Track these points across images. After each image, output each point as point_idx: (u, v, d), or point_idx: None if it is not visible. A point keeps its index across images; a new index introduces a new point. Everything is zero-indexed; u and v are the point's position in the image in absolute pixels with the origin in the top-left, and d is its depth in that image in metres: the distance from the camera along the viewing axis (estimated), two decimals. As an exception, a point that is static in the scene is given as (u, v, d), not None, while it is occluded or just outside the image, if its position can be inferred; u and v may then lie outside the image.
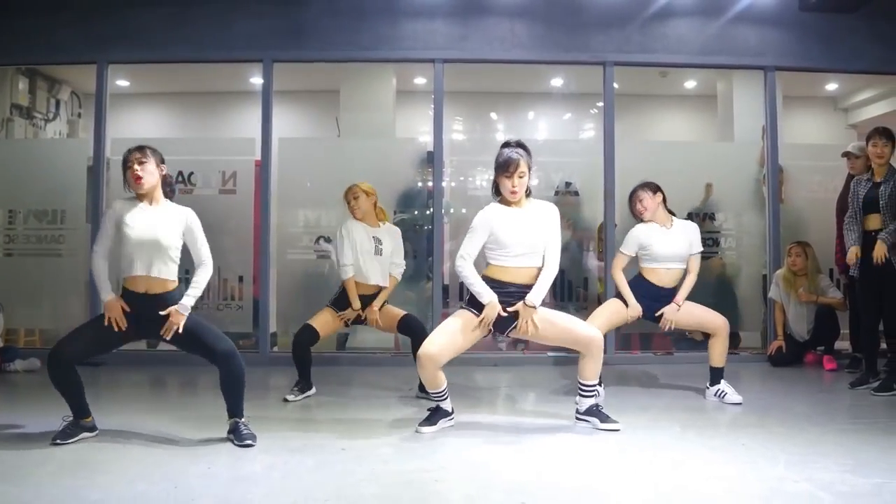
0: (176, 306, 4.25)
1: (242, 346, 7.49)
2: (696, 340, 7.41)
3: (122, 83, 9.44)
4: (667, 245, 5.46)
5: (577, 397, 4.67)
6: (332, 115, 8.91)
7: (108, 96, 7.49)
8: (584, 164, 7.77)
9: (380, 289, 5.75)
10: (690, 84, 10.16)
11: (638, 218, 5.58)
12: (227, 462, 3.83)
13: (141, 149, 4.30)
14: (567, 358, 6.85)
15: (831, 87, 10.29)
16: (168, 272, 4.29)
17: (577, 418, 4.66)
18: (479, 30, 7.45)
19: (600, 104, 9.33)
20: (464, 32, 7.44)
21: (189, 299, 4.28)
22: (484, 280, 4.49)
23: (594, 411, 4.61)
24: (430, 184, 7.65)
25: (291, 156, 7.62)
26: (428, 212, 7.65)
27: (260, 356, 7.19)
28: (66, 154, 7.85)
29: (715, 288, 7.62)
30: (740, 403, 5.32)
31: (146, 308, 4.25)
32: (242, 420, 4.28)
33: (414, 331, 5.69)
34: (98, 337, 4.28)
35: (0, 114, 8.98)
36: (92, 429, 4.30)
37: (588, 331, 4.60)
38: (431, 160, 7.54)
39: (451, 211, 7.83)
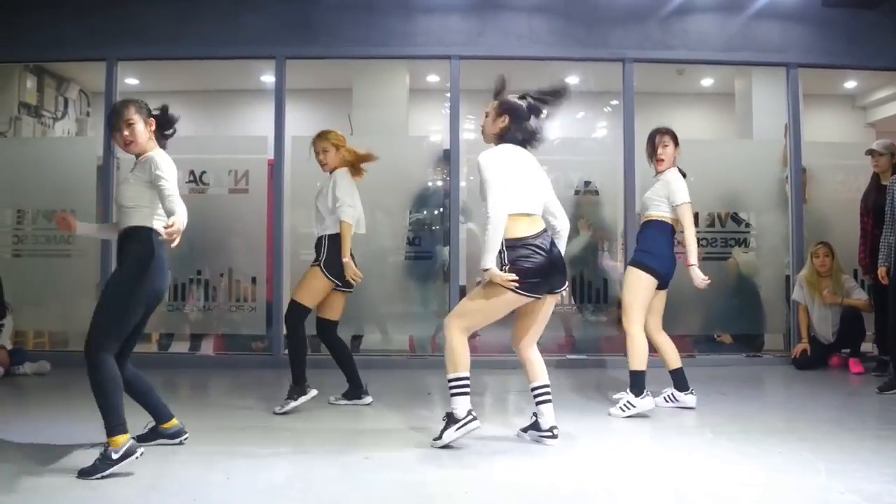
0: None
1: (255, 348, 7.45)
2: (724, 343, 7.31)
3: (132, 81, 9.33)
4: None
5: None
6: (345, 113, 8.78)
7: (117, 94, 7.36)
8: (603, 162, 7.65)
9: None
10: (707, 82, 10.01)
11: (655, 162, 5.29)
12: (245, 472, 3.68)
13: (127, 106, 3.99)
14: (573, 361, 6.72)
15: (850, 84, 10.15)
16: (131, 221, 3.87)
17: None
18: (495, 25, 7.32)
19: (614, 102, 9.20)
20: (480, 28, 7.31)
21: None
22: None
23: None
24: (442, 182, 7.56)
25: (305, 154, 7.46)
26: (436, 211, 7.51)
27: (273, 358, 7.07)
28: (74, 153, 7.75)
29: (737, 289, 7.48)
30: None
31: (119, 245, 3.93)
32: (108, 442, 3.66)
33: None
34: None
35: (8, 112, 8.88)
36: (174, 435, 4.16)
37: None
38: (446, 158, 7.41)
39: (471, 225, 7.64)
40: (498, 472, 3.74)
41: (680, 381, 5.21)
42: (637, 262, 5.13)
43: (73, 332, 7.96)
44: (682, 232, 5.13)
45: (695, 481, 3.57)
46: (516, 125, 4.26)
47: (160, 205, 3.76)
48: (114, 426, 3.62)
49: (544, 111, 4.31)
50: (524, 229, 4.13)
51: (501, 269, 4.03)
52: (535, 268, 4.08)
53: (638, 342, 5.04)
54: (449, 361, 4.14)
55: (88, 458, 3.66)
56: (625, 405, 4.97)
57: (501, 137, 4.27)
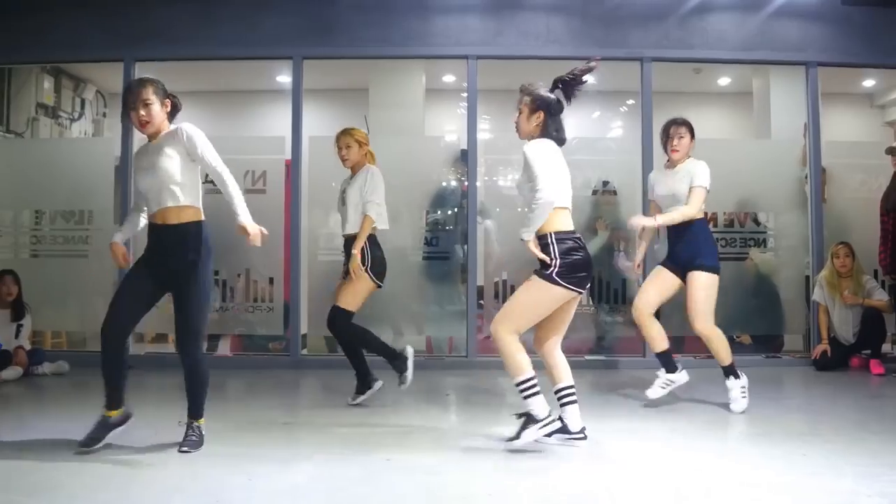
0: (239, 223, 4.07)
1: (272, 349, 7.45)
2: (744, 344, 7.26)
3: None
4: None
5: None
6: (361, 114, 8.76)
7: (135, 95, 7.36)
8: (620, 162, 7.60)
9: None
10: (724, 81, 9.94)
11: (670, 152, 5.30)
12: (267, 473, 3.67)
13: (144, 85, 4.05)
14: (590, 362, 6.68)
15: (868, 83, 10.06)
16: (179, 199, 4.06)
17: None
18: (513, 25, 7.29)
19: (630, 101, 9.18)
20: (498, 28, 7.28)
21: (239, 214, 4.10)
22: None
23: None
24: (456, 182, 7.54)
25: (322, 155, 7.46)
26: (450, 212, 7.49)
27: (291, 359, 7.07)
28: (92, 153, 7.77)
29: (756, 290, 7.43)
30: None
31: (168, 240, 4.07)
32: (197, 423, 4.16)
33: None
34: (130, 291, 4.14)
35: (25, 113, 8.92)
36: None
37: None
38: (463, 158, 7.39)
39: (488, 223, 7.62)
40: (521, 475, 3.72)
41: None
42: (703, 267, 5.11)
43: (91, 332, 7.98)
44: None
45: (721, 484, 3.53)
46: (552, 120, 4.23)
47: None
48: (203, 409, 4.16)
49: (573, 97, 4.27)
50: (567, 223, 4.13)
51: (551, 263, 4.00)
52: (582, 262, 4.07)
53: (719, 337, 5.18)
54: (509, 367, 4.11)
55: (108, 459, 3.66)
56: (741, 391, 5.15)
57: (540, 134, 4.23)
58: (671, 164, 5.34)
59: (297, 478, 3.63)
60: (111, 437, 4.12)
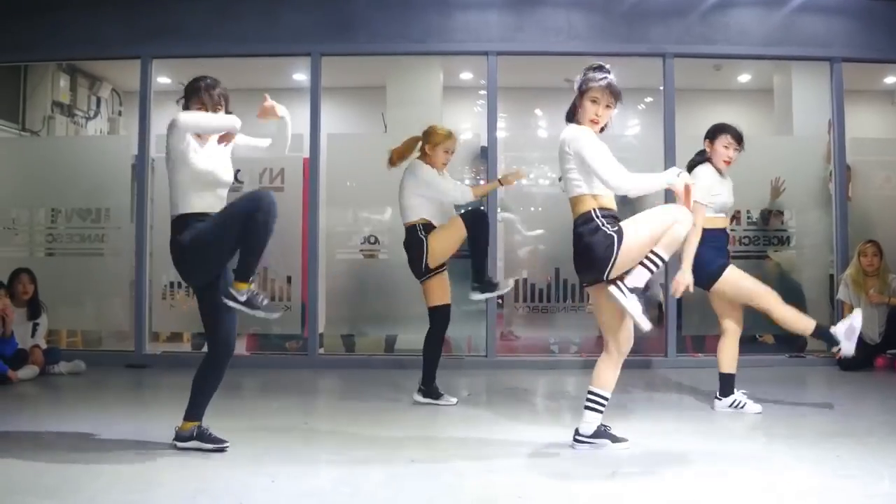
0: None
1: (289, 348, 7.39)
2: (768, 343, 7.15)
3: (165, 80, 9.31)
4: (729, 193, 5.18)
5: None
6: (378, 111, 8.71)
7: (151, 92, 7.33)
8: (641, 160, 7.47)
9: None
10: (745, 78, 9.83)
11: (712, 157, 5.14)
12: (290, 475, 3.59)
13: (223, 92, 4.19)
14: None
15: (890, 80, 9.92)
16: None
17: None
18: (533, 21, 7.18)
19: (649, 99, 9.07)
20: (518, 23, 7.18)
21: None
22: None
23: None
24: (471, 180, 7.47)
25: (340, 152, 7.40)
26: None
27: (309, 358, 7.01)
28: (109, 151, 7.72)
29: (780, 288, 7.27)
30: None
31: None
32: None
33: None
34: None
35: (41, 111, 8.90)
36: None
37: None
38: (483, 155, 7.31)
39: (507, 214, 7.54)
40: (546, 478, 3.64)
41: None
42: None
43: (106, 331, 7.95)
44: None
45: (756, 487, 3.44)
46: None
47: None
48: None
49: None
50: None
51: (607, 241, 3.80)
52: None
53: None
54: None
55: (129, 460, 3.60)
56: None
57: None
58: (720, 172, 5.16)
59: (321, 481, 3.57)
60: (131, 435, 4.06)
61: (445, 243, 5.32)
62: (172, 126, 3.92)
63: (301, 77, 8.09)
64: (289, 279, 7.29)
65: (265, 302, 3.98)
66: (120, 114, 10.13)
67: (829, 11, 7.25)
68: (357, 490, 3.40)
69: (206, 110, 4.06)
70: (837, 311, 7.03)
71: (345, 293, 7.38)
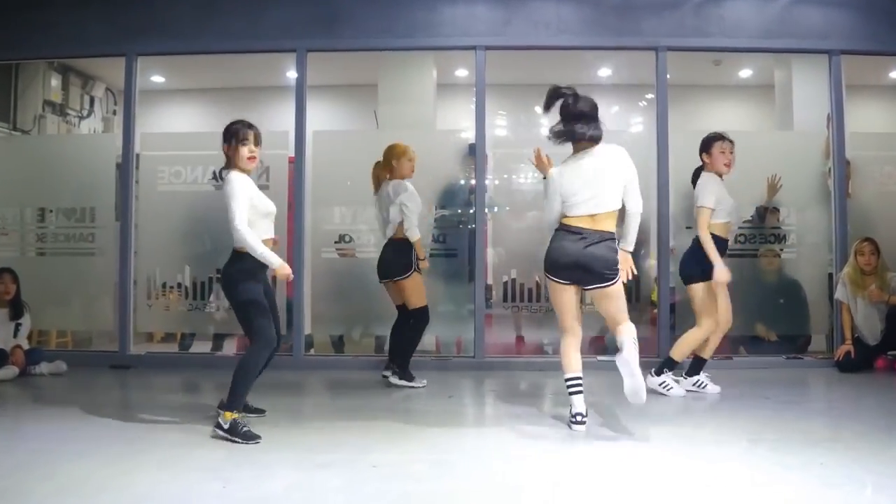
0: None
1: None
2: (769, 341, 6.99)
3: (158, 79, 9.25)
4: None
5: None
6: (371, 109, 8.60)
7: (136, 89, 7.24)
8: (636, 157, 7.30)
9: None
10: (745, 73, 9.66)
11: (711, 168, 5.53)
12: (244, 480, 3.47)
13: (257, 132, 4.60)
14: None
15: (894, 74, 9.70)
16: None
17: None
18: (522, 14, 7.02)
19: (650, 96, 8.88)
20: (506, 17, 7.03)
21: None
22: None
23: None
24: (464, 178, 7.33)
25: (326, 150, 7.28)
26: (459, 209, 7.27)
27: (294, 360, 6.88)
28: (95, 150, 7.63)
29: (777, 288, 7.13)
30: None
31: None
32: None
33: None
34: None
35: (32, 111, 8.83)
36: None
37: None
38: (471, 153, 7.16)
39: (496, 209, 7.42)
40: (518, 480, 3.51)
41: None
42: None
43: (95, 330, 7.87)
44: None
45: (729, 496, 3.29)
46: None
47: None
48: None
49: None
50: None
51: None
52: None
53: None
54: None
55: (79, 464, 3.49)
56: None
57: None
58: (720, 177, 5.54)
59: (275, 485, 3.43)
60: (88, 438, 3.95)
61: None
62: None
63: (293, 75, 7.97)
64: (274, 279, 7.15)
65: (245, 430, 4.17)
66: (115, 113, 10.06)
67: (827, 2, 7.06)
68: (310, 496, 3.29)
69: (239, 151, 4.59)
70: (836, 311, 6.84)
71: (332, 293, 7.27)
